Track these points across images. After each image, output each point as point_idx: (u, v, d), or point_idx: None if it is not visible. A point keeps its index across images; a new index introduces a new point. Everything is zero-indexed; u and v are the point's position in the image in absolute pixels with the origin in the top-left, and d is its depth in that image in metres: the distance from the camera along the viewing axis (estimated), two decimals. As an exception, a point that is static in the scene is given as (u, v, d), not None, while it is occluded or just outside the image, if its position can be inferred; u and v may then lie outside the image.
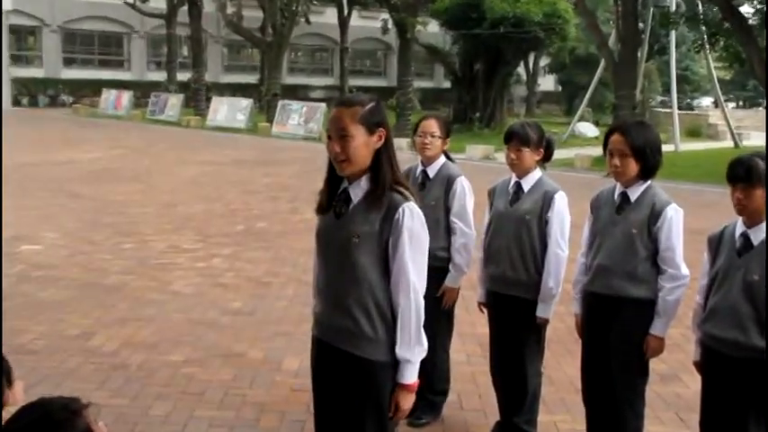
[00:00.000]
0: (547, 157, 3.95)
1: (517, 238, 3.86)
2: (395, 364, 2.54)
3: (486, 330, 4.21)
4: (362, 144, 2.51)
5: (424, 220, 2.56)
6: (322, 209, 2.66)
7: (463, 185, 4.17)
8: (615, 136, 3.44)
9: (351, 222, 2.55)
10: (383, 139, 2.55)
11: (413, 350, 2.52)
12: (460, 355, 5.31)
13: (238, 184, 13.98)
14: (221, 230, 9.76)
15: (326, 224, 2.64)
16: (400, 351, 2.52)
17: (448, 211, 4.15)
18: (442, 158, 4.27)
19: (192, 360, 5.19)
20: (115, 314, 6.16)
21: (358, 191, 2.57)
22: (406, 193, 2.55)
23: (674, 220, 3.42)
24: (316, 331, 2.71)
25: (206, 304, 6.52)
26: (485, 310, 4.18)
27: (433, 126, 4.21)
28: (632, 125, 3.48)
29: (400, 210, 2.50)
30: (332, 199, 2.63)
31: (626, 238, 3.46)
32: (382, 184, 2.53)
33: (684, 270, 3.44)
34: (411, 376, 2.54)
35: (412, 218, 2.51)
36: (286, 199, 12.46)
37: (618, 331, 3.50)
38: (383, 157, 2.55)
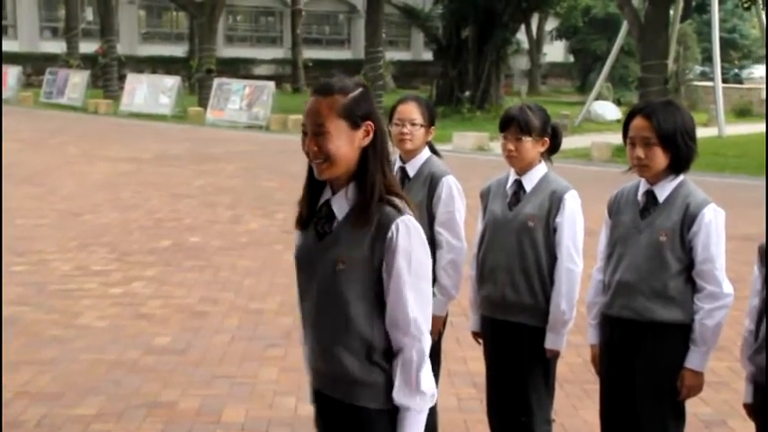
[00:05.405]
0: (553, 148, 4.02)
1: (519, 251, 3.92)
2: (395, 413, 2.60)
3: (482, 367, 4.25)
4: (344, 142, 2.54)
5: (424, 238, 2.61)
6: (302, 223, 2.70)
7: (451, 186, 4.21)
8: (637, 120, 3.51)
9: (335, 245, 2.59)
10: (371, 135, 2.59)
11: (413, 396, 2.58)
12: (449, 398, 5.36)
13: (164, 187, 13.95)
14: (143, 246, 9.74)
15: (307, 245, 2.68)
16: (397, 395, 2.58)
17: (432, 219, 4.20)
18: (426, 152, 4.33)
19: (106, 413, 5.19)
20: (5, 356, 6.12)
21: (343, 203, 2.61)
22: (400, 204, 2.59)
23: (714, 223, 3.49)
24: (314, 382, 2.78)
25: (124, 341, 6.52)
26: (480, 342, 4.24)
27: (413, 111, 4.25)
28: (658, 106, 3.54)
29: (393, 227, 2.54)
30: (313, 211, 2.67)
31: (653, 249, 3.52)
32: (370, 193, 2.56)
33: (727, 287, 3.51)
34: (412, 430, 2.59)
35: (408, 236, 2.55)
36: (225, 205, 12.45)
37: (645, 365, 3.57)
38: (371, 157, 2.58)
